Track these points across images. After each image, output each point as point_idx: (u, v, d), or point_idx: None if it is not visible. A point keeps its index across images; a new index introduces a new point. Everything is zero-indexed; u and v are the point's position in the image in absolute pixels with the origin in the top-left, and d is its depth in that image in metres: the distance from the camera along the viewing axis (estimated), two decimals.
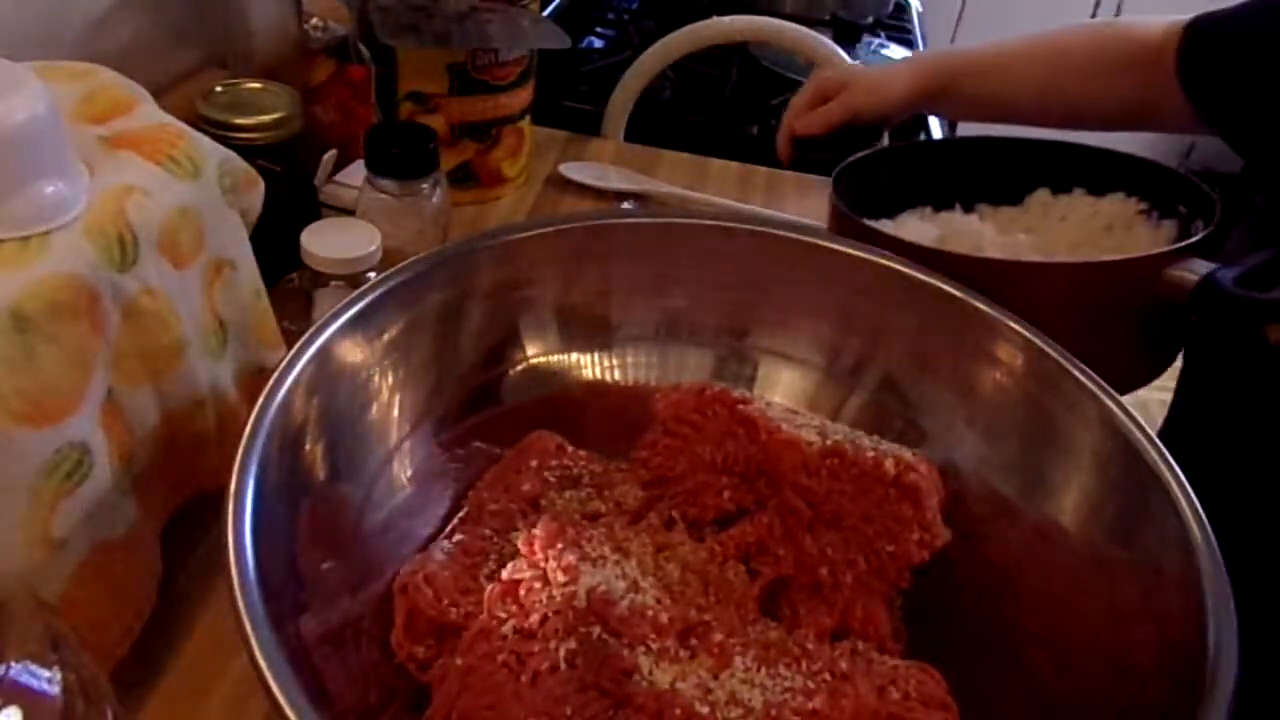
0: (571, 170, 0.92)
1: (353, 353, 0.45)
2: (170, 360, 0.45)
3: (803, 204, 0.91)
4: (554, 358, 0.54)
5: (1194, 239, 0.58)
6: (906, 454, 0.47)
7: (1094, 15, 2.81)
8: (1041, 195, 0.74)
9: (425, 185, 0.68)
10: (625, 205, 0.90)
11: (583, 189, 0.92)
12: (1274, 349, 0.55)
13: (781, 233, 0.55)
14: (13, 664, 0.31)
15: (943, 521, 0.47)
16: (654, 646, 0.41)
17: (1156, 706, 0.38)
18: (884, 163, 0.74)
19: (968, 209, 0.74)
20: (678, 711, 0.39)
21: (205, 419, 0.48)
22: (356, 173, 0.71)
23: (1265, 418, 0.65)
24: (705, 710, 0.39)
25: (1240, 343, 0.64)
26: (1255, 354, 0.62)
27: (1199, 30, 0.69)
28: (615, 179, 0.92)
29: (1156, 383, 0.64)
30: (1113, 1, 2.79)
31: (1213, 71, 0.68)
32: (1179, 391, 0.76)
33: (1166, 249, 0.58)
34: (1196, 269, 0.56)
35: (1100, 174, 0.72)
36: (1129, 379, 0.59)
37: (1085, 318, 0.54)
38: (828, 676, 0.42)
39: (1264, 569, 0.41)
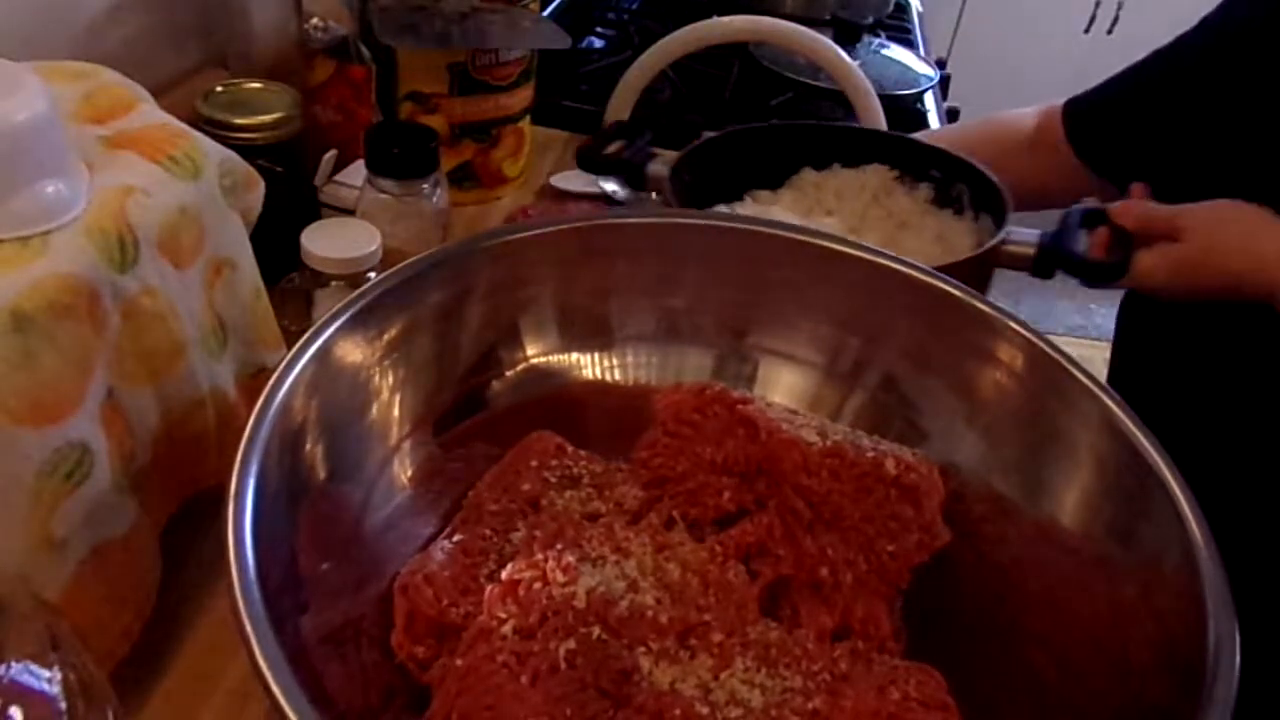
0: (564, 180, 0.92)
1: (353, 353, 0.45)
2: (170, 360, 0.45)
3: None
4: (554, 358, 0.54)
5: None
6: (907, 454, 0.47)
7: (1093, 16, 2.80)
8: (808, 175, 0.81)
9: (425, 185, 0.68)
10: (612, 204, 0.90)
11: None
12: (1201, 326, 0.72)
13: (781, 233, 0.55)
14: (13, 664, 0.31)
15: (943, 521, 0.47)
16: (654, 647, 0.41)
17: (1156, 706, 0.38)
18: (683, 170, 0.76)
19: (751, 198, 0.80)
20: (678, 712, 0.39)
21: (205, 419, 0.48)
22: (356, 173, 0.72)
23: (1196, 374, 0.76)
24: (705, 710, 0.39)
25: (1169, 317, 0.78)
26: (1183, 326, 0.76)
27: (1078, 112, 0.84)
28: (614, 180, 0.91)
29: (1099, 341, 0.74)
30: (1112, 2, 2.79)
31: (1103, 139, 0.82)
32: (1115, 353, 0.87)
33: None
34: (1028, 239, 0.70)
35: (852, 148, 0.80)
36: None
37: None
38: (828, 677, 0.41)
39: (1227, 520, 0.42)
